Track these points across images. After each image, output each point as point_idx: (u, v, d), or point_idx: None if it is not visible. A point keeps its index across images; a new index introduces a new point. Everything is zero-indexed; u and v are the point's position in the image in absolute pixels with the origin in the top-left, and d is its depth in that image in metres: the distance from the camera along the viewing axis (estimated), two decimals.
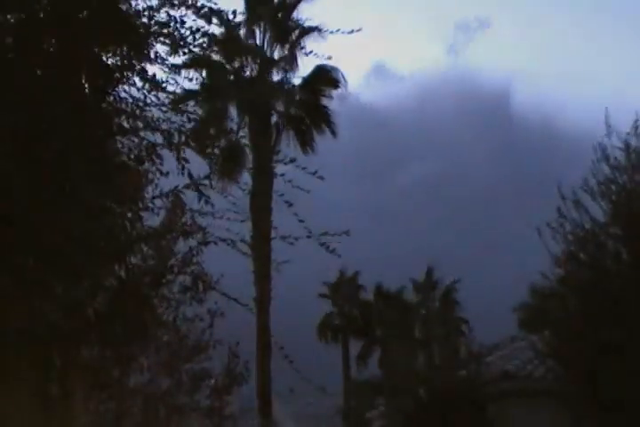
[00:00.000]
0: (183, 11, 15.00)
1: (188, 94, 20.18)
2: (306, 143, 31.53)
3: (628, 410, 23.60)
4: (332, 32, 31.22)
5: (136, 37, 13.57)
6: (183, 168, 15.84)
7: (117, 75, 13.84)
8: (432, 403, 40.71)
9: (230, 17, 30.49)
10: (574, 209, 25.18)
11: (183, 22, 14.95)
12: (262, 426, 30.14)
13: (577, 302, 25.09)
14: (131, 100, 14.59)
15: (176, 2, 14.85)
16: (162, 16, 14.55)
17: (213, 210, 20.10)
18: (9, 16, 12.61)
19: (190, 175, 16.11)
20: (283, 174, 30.96)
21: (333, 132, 31.75)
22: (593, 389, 24.08)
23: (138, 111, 14.75)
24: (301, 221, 31.04)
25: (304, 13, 32.12)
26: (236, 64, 31.49)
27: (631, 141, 25.31)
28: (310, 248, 33.97)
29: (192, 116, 16.17)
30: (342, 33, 31.24)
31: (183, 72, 16.70)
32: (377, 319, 57.71)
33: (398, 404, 44.57)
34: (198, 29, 15.25)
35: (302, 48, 31.24)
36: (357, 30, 30.87)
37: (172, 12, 14.71)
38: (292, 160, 31.14)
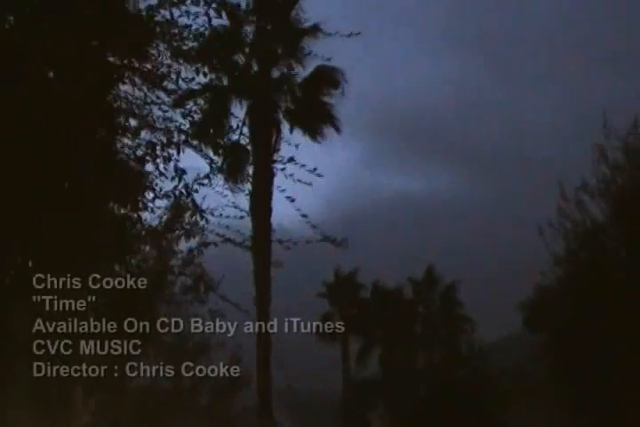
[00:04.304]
0: (186, 8, 15.03)
1: (190, 93, 20.17)
2: (315, 133, 31.53)
3: (626, 409, 23.64)
4: (330, 34, 31.20)
5: (137, 36, 13.57)
6: (176, 170, 15.85)
7: (118, 73, 13.85)
8: (432, 402, 40.85)
9: (233, 14, 30.59)
10: (575, 209, 25.25)
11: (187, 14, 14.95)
12: (262, 426, 30.14)
13: (577, 300, 25.12)
14: (131, 99, 14.60)
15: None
16: (163, 13, 14.56)
17: (214, 208, 20.14)
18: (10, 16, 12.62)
19: (183, 173, 16.08)
20: (284, 169, 30.99)
21: (337, 129, 31.82)
22: (591, 388, 24.12)
23: (138, 110, 14.75)
24: (304, 215, 31.01)
25: (306, 12, 32.13)
26: (238, 61, 31.55)
27: (630, 141, 25.37)
28: (311, 247, 33.96)
29: (193, 115, 16.17)
30: (341, 35, 31.24)
31: (183, 70, 16.69)
32: (376, 318, 57.76)
33: (398, 403, 44.68)
34: (209, 16, 15.24)
35: (303, 48, 31.28)
36: (356, 33, 30.79)
37: (175, 10, 14.71)
38: (291, 159, 31.11)
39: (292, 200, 30.50)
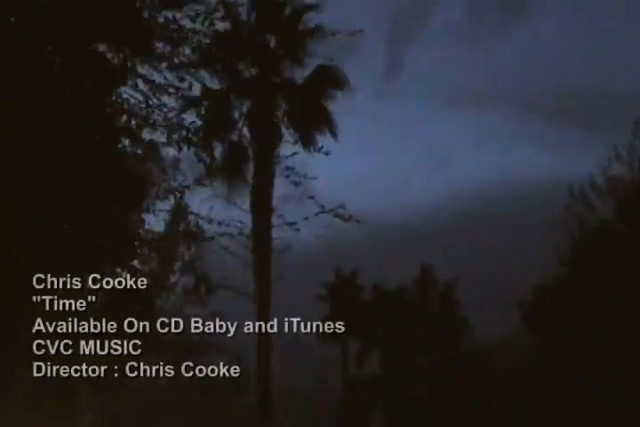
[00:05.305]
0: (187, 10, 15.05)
1: (193, 96, 20.25)
2: (308, 141, 31.66)
3: (626, 409, 23.66)
4: (332, 34, 31.17)
5: (139, 38, 13.59)
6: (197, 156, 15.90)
7: (120, 76, 13.87)
8: (432, 402, 40.91)
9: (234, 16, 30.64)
10: (582, 207, 25.27)
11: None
12: (262, 426, 30.17)
13: (580, 300, 25.12)
14: (132, 101, 14.64)
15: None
16: (165, 14, 14.58)
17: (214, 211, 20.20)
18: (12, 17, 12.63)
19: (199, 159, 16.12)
20: (293, 154, 31.10)
21: (333, 133, 31.88)
22: (591, 387, 24.13)
23: (141, 111, 14.78)
24: (311, 197, 31.07)
25: (308, 15, 32.19)
26: (238, 63, 31.65)
27: None
28: (311, 245, 33.98)
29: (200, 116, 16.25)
30: (344, 35, 31.22)
31: (186, 71, 16.72)
32: (376, 319, 57.82)
33: (398, 404, 44.71)
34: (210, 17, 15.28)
35: (304, 49, 31.32)
36: (359, 31, 30.76)
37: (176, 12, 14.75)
38: (295, 153, 31.27)
39: (298, 184, 30.56)
